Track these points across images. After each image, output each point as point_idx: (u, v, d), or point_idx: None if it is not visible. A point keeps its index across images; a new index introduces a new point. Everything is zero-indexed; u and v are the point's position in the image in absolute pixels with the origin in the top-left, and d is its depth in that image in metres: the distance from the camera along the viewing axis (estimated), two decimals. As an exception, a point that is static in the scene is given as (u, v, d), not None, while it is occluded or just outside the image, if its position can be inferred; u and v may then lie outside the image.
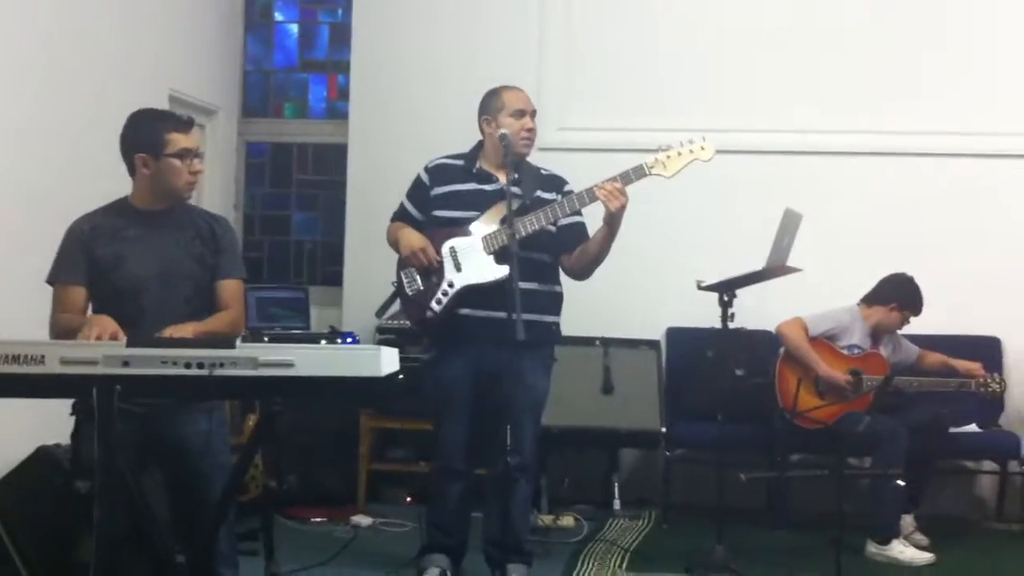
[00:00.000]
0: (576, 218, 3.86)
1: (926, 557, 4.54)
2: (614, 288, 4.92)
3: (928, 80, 5.56)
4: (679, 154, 3.73)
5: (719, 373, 4.63)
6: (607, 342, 5.38)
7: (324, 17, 6.44)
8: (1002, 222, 5.48)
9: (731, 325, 4.32)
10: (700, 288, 4.44)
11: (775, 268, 4.36)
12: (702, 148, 3.74)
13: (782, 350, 4.94)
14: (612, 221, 3.69)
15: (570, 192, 3.87)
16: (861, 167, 5.58)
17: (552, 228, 3.83)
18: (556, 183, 3.95)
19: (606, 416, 5.22)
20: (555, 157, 4.64)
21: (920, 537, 4.74)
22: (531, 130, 3.88)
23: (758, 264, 4.33)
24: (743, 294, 4.37)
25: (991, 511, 5.44)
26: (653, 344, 5.52)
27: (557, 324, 3.95)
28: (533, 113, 3.92)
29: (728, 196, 5.48)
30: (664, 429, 5.23)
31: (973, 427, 5.16)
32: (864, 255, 5.36)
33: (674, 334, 5.62)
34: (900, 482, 4.44)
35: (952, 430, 5.04)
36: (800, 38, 5.65)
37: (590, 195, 3.73)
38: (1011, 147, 5.48)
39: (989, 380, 4.91)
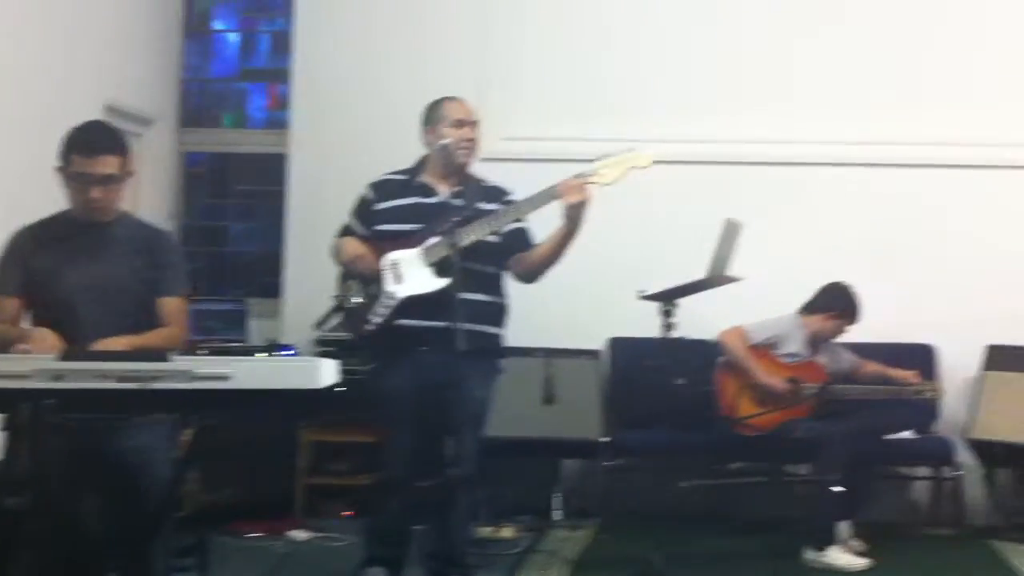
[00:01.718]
0: (519, 224, 3.87)
1: (862, 563, 4.59)
2: (556, 298, 4.92)
3: (864, 91, 5.63)
4: (617, 162, 3.74)
5: (661, 382, 4.65)
6: (549, 352, 5.38)
7: (265, 25, 6.39)
8: (936, 232, 5.56)
9: (673, 334, 4.35)
10: (641, 298, 4.47)
11: (715, 278, 4.40)
12: (639, 156, 3.76)
13: (722, 358, 4.98)
14: (571, 215, 3.68)
15: (511, 202, 3.87)
16: (798, 178, 5.63)
17: (495, 238, 3.83)
18: (498, 194, 3.95)
19: (548, 426, 5.22)
20: (498, 167, 4.64)
21: (857, 543, 4.79)
22: (471, 140, 3.88)
23: (699, 274, 4.37)
24: (685, 303, 4.40)
25: (926, 516, 5.54)
26: (595, 354, 5.54)
27: (501, 336, 3.95)
28: (474, 124, 3.92)
29: (669, 206, 5.51)
30: (606, 439, 5.24)
31: (908, 433, 5.25)
32: (803, 264, 5.41)
33: (616, 344, 5.64)
34: (838, 488, 4.50)
35: (888, 437, 5.13)
36: (740, 49, 5.71)
37: (541, 199, 3.71)
38: (943, 158, 5.55)
39: (923, 387, 4.99)
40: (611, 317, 5.50)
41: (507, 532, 4.94)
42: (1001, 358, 5.38)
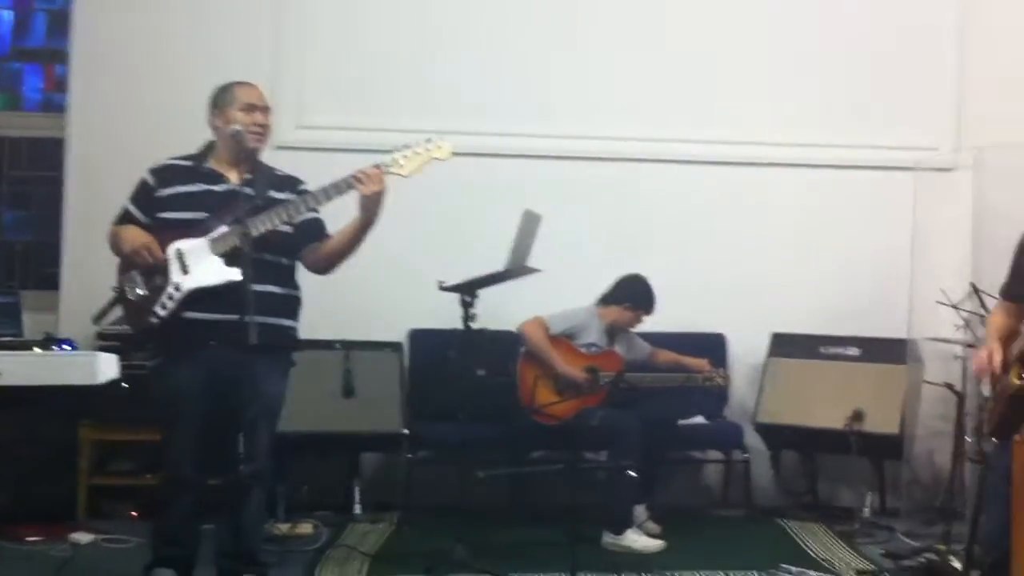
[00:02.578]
0: (312, 214, 3.77)
1: (657, 544, 4.71)
2: (355, 290, 4.85)
3: (650, 89, 5.77)
4: (416, 153, 3.69)
5: (461, 374, 4.64)
6: (348, 345, 5.28)
7: (41, 3, 6.01)
8: (727, 226, 5.78)
9: (473, 326, 4.35)
10: (441, 289, 4.45)
11: (515, 269, 4.43)
12: (439, 147, 3.73)
13: (523, 349, 5.01)
14: (367, 205, 3.61)
15: (305, 191, 3.77)
16: (597, 171, 5.74)
17: (288, 228, 3.72)
18: (290, 183, 3.83)
19: (347, 420, 5.12)
20: (293, 156, 4.54)
21: (652, 525, 4.92)
22: (263, 126, 3.75)
23: (499, 265, 4.37)
24: (485, 295, 4.41)
25: (717, 498, 5.75)
26: (396, 346, 5.47)
27: (295, 328, 3.84)
28: (265, 109, 3.79)
29: (470, 198, 5.53)
30: (406, 431, 5.19)
31: (700, 419, 5.43)
32: (601, 256, 5.53)
33: (417, 336, 5.60)
34: (633, 474, 4.60)
35: (681, 422, 5.29)
36: (535, 44, 5.76)
37: (337, 188, 3.62)
38: (731, 155, 5.78)
39: (714, 375, 5.17)
40: (411, 309, 5.47)
41: (305, 528, 4.81)
42: (784, 345, 5.64)
